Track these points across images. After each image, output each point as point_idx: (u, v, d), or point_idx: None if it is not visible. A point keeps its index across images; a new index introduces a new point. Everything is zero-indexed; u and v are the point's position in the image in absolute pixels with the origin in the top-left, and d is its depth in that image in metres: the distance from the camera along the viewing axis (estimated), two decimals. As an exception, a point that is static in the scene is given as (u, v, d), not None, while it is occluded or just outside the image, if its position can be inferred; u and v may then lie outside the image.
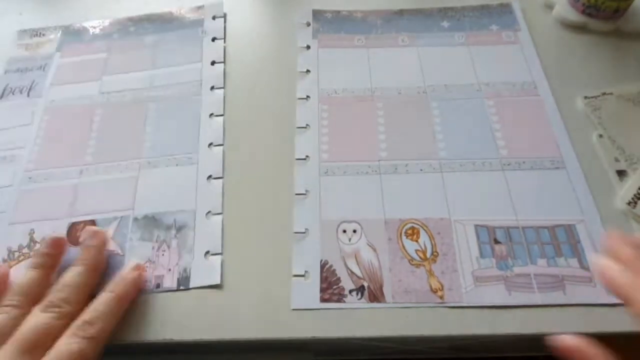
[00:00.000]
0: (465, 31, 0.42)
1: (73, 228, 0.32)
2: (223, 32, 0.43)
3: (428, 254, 0.30)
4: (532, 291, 0.28)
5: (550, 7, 0.43)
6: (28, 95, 0.39)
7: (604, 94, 0.36)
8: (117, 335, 0.27)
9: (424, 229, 0.31)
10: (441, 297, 0.28)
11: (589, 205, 0.31)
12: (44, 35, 0.44)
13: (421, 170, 0.33)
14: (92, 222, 0.32)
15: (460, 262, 0.29)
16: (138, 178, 0.34)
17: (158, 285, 0.29)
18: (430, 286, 0.28)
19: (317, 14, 0.44)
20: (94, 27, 0.44)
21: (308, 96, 0.38)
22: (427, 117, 0.36)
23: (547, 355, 0.25)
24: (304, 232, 0.31)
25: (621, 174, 0.32)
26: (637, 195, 0.31)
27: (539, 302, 0.27)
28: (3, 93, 0.40)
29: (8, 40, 0.44)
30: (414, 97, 0.38)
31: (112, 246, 0.31)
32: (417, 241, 0.30)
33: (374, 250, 0.30)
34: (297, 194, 0.32)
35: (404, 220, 0.31)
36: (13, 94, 0.40)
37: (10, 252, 0.31)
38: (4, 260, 0.31)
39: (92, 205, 0.33)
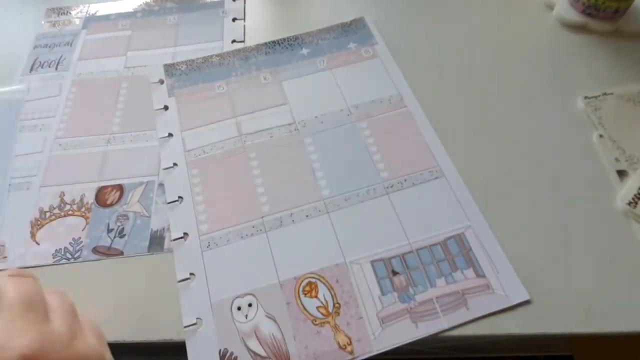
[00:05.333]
0: (325, 54, 0.41)
1: (101, 191, 0.34)
2: (243, 12, 0.45)
3: (330, 308, 0.28)
4: (437, 317, 0.27)
5: (550, 7, 0.43)
6: (56, 69, 0.42)
7: (604, 94, 0.36)
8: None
9: (321, 282, 0.29)
10: (351, 352, 0.26)
11: (472, 208, 0.32)
12: (70, 13, 0.47)
13: (307, 216, 0.32)
14: (120, 186, 0.34)
15: (364, 307, 0.28)
16: None
17: None
18: (338, 343, 0.27)
19: (169, 69, 0.41)
20: (119, 7, 0.47)
21: (175, 164, 0.35)
22: (303, 156, 0.35)
23: (547, 355, 0.25)
24: (195, 324, 0.28)
25: (621, 174, 0.32)
26: (638, 195, 0.30)
27: (445, 327, 0.27)
28: (33, 66, 0.43)
29: (37, 17, 0.47)
30: (286, 137, 0.36)
31: (138, 209, 0.33)
32: (316, 297, 0.29)
33: (274, 320, 0.28)
34: (180, 281, 0.29)
35: (299, 277, 0.29)
36: (42, 67, 0.42)
37: (42, 212, 0.33)
38: (37, 220, 0.33)
39: (119, 170, 0.35)
